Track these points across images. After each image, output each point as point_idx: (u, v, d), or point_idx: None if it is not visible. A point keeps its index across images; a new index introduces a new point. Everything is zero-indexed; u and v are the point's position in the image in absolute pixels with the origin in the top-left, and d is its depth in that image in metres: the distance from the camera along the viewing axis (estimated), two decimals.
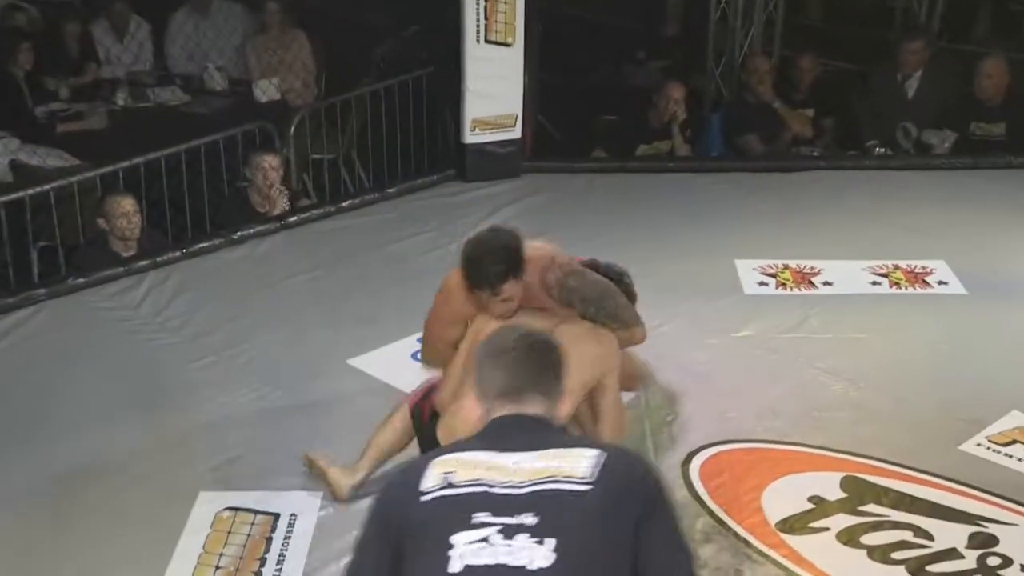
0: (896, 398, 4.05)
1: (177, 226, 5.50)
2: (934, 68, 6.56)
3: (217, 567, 3.25)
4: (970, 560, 3.25)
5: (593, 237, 5.48)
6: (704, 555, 3.26)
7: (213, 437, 3.92)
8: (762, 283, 5.01)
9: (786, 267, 5.12)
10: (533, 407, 2.06)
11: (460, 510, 1.88)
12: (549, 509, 1.87)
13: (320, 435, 3.91)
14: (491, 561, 1.82)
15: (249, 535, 3.38)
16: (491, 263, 3.16)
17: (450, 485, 1.91)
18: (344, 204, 5.86)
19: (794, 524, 3.40)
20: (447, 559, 1.83)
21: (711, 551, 3.28)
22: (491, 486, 1.90)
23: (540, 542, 1.84)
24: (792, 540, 3.33)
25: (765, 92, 6.60)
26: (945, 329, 4.61)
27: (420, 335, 4.46)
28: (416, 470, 1.97)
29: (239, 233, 5.44)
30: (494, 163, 6.08)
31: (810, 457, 3.73)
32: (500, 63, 5.93)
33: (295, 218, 5.64)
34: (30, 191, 5.18)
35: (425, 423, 3.34)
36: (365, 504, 3.21)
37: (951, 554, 3.26)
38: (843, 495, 3.53)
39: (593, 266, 3.42)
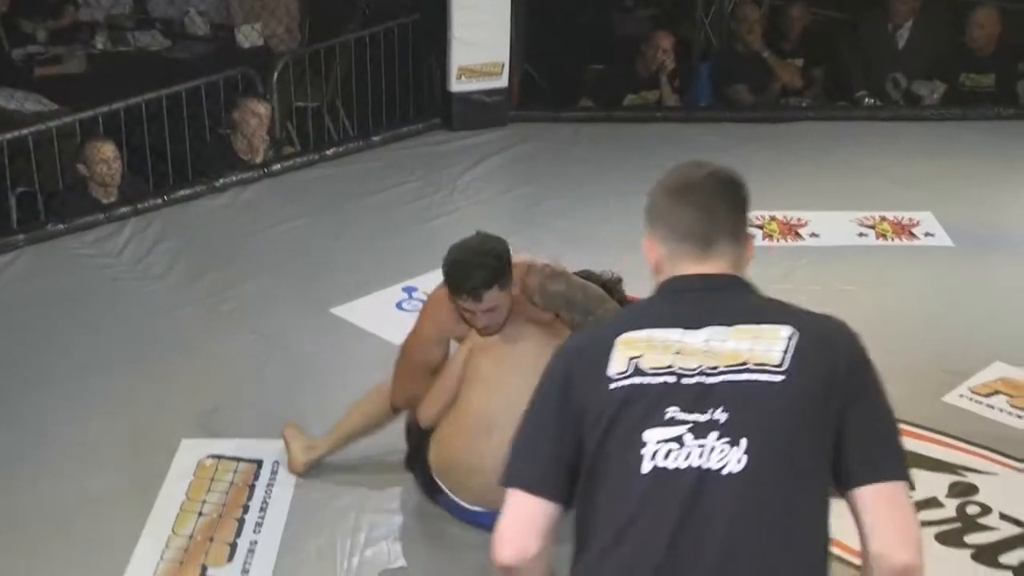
0: (882, 350, 3.95)
1: (158, 173, 5.44)
2: (925, 18, 6.52)
3: (200, 514, 3.25)
4: (950, 509, 3.27)
5: (579, 187, 5.48)
6: None
7: (195, 385, 3.91)
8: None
9: (773, 218, 5.11)
10: (722, 259, 1.83)
11: (651, 403, 1.71)
12: (740, 405, 1.70)
13: (303, 384, 3.90)
14: (684, 464, 1.68)
15: (232, 482, 3.38)
16: (475, 267, 3.02)
17: (639, 372, 1.73)
18: (328, 152, 5.81)
19: None
20: (639, 458, 1.70)
21: None
22: (681, 375, 1.72)
23: (732, 443, 1.68)
24: None
25: (754, 41, 6.55)
26: (931, 281, 4.62)
27: (405, 284, 4.50)
28: (600, 347, 1.77)
29: (221, 180, 5.40)
30: (480, 112, 6.03)
31: None
32: (487, 10, 5.87)
33: (278, 166, 5.59)
34: (8, 135, 5.11)
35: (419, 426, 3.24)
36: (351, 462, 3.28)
37: (931, 503, 3.28)
38: None
39: (584, 275, 3.25)
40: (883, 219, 5.10)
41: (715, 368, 1.73)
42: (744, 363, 1.73)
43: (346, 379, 3.76)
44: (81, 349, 4.13)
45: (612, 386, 1.74)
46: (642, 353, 1.76)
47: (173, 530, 3.18)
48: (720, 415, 1.70)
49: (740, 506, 1.67)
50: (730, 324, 1.77)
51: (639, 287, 4.53)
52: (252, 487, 3.36)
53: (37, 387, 3.90)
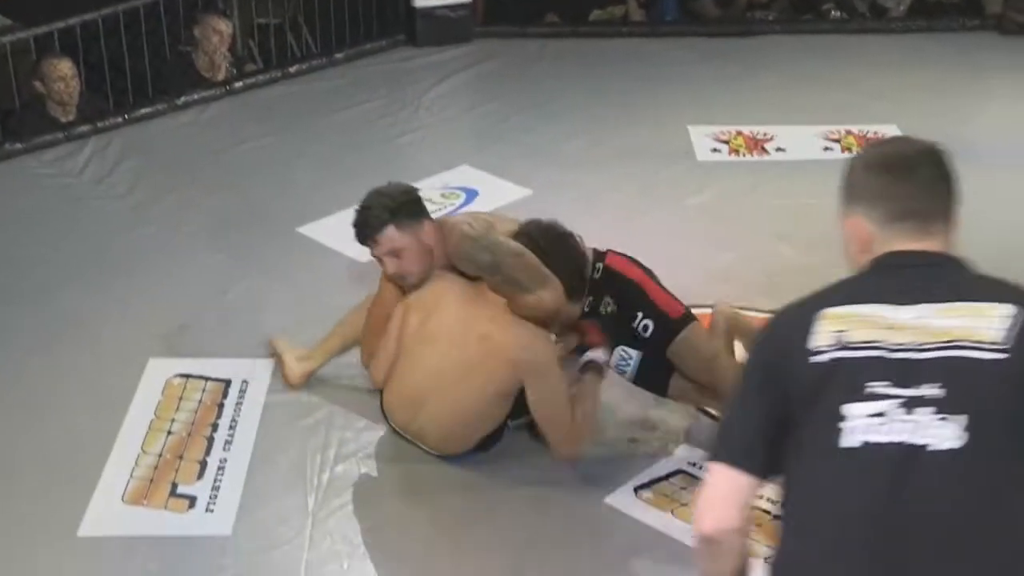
0: (845, 266, 4.07)
1: (117, 91, 5.35)
2: None
3: (169, 432, 3.26)
4: None
5: (546, 103, 5.44)
6: (655, 418, 3.31)
7: (162, 305, 3.89)
8: (715, 149, 4.99)
9: (739, 133, 5.11)
10: (938, 238, 1.79)
11: (854, 377, 1.67)
12: (957, 381, 1.64)
13: (270, 303, 3.89)
14: (889, 439, 1.63)
15: (200, 401, 3.38)
16: (368, 210, 3.03)
17: (843, 346, 1.69)
18: (291, 70, 5.73)
19: None
20: (838, 432, 1.66)
21: (662, 415, 3.32)
22: (889, 349, 1.68)
23: (946, 419, 1.62)
24: None
25: None
26: None
27: None
28: (801, 323, 1.74)
29: (183, 99, 5.32)
30: (445, 28, 5.96)
31: (761, 320, 3.77)
32: None
33: (240, 84, 5.52)
34: None
35: None
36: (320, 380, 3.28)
37: None
38: None
39: (531, 226, 3.10)
40: (849, 133, 5.11)
41: (926, 344, 1.68)
42: (959, 340, 1.68)
43: (313, 297, 3.75)
44: (43, 270, 4.10)
45: (813, 360, 1.71)
46: (848, 327, 1.72)
47: (142, 448, 3.19)
48: (933, 391, 1.65)
49: (957, 484, 1.62)
50: (945, 301, 1.72)
51: (607, 209, 4.54)
52: (221, 406, 3.36)
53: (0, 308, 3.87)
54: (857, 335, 1.71)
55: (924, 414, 1.64)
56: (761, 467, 1.76)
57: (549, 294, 2.94)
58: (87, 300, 3.92)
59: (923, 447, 1.63)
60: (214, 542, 2.88)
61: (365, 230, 3.05)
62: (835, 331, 1.72)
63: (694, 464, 3.14)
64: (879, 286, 1.78)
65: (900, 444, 1.63)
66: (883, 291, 1.77)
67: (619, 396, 3.37)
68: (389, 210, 3.02)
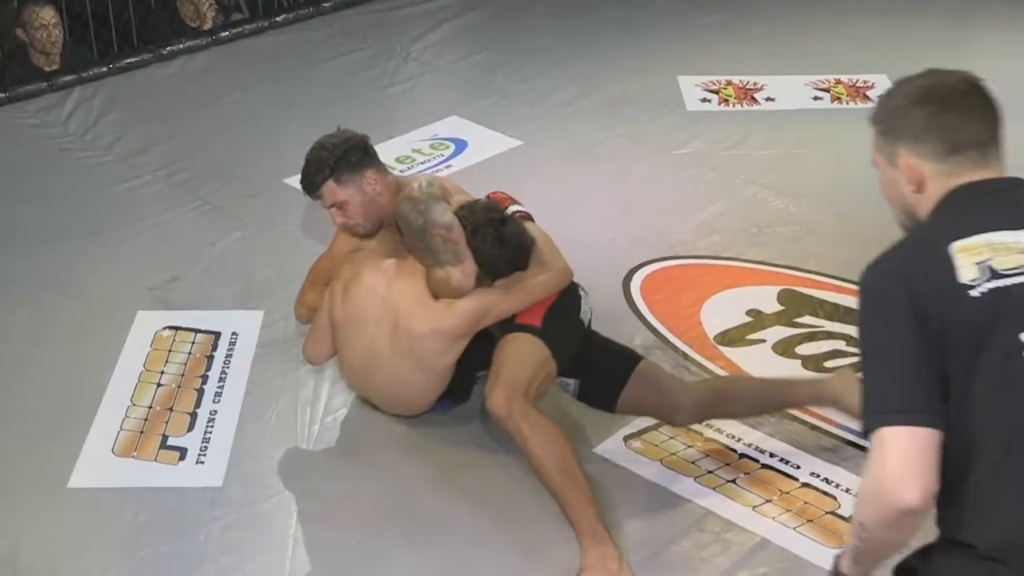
0: (835, 213, 4.08)
1: (102, 40, 5.27)
2: None
3: (159, 384, 3.25)
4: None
5: (535, 54, 5.39)
6: None
7: (150, 257, 3.87)
8: (704, 99, 4.96)
9: (729, 83, 5.07)
10: (999, 165, 1.74)
11: (1021, 304, 1.61)
12: None
13: (258, 254, 3.87)
14: None
15: (190, 353, 3.37)
16: (309, 163, 3.00)
17: (996, 275, 1.62)
18: (278, 19, 5.66)
19: (732, 336, 3.46)
20: (1022, 361, 1.60)
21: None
22: None
23: None
24: (730, 352, 3.39)
25: None
26: None
27: None
28: (937, 258, 1.65)
29: (169, 48, 5.25)
30: None
31: (749, 272, 3.77)
32: None
33: (227, 33, 5.45)
34: None
35: None
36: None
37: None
38: (780, 308, 3.58)
39: (473, 204, 2.96)
40: (838, 82, 5.08)
41: None
42: None
43: (302, 249, 3.73)
44: (28, 222, 4.06)
45: (973, 293, 1.62)
46: (989, 256, 1.65)
47: (132, 400, 3.18)
48: None
49: None
50: None
51: (596, 159, 4.51)
52: (210, 358, 3.35)
53: None
54: (1003, 262, 1.64)
55: None
56: (943, 418, 1.63)
57: (458, 273, 2.85)
58: (73, 253, 3.89)
59: None
60: (205, 493, 2.88)
61: (307, 186, 3.03)
62: (978, 262, 1.65)
63: None
64: (986, 215, 1.70)
65: None
66: (994, 220, 1.69)
67: None
68: (328, 165, 2.98)
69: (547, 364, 2.87)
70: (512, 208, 3.08)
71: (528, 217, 3.08)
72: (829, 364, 3.32)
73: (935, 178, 1.74)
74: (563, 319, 2.94)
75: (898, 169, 1.77)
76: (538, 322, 2.89)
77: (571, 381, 3.00)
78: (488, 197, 3.12)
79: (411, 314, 2.89)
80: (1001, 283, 1.62)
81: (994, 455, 1.63)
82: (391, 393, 3.03)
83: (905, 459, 1.60)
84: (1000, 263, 1.64)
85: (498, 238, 2.88)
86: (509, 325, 2.91)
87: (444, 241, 2.84)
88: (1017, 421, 1.62)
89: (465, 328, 2.90)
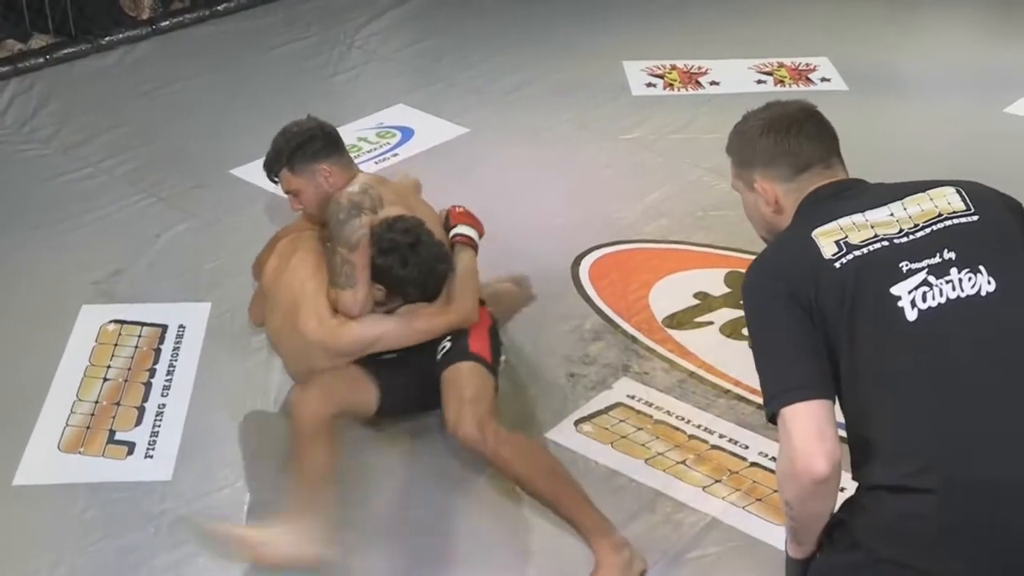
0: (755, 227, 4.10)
1: (37, 29, 5.18)
2: None
3: (105, 379, 3.21)
4: None
5: (481, 39, 5.39)
6: (593, 352, 3.32)
7: (93, 250, 3.82)
8: (650, 84, 4.98)
9: (673, 67, 5.10)
10: (842, 172, 1.99)
11: (881, 265, 1.80)
12: (959, 242, 1.82)
13: (205, 246, 3.84)
14: (943, 299, 1.78)
15: (137, 347, 3.33)
16: (273, 150, 3.03)
17: (852, 247, 1.82)
18: (220, 8, 5.61)
19: (680, 319, 3.49)
20: (899, 310, 1.77)
21: (600, 348, 3.34)
22: (890, 239, 1.83)
23: (972, 271, 1.80)
24: (678, 335, 3.42)
25: None
26: None
27: None
28: (802, 245, 1.85)
29: (108, 38, 5.18)
30: None
31: (696, 255, 3.80)
32: None
33: (167, 23, 5.39)
34: None
35: None
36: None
37: None
38: (727, 290, 3.61)
39: (391, 224, 2.86)
40: (781, 65, 5.12)
41: (916, 226, 1.85)
42: (938, 215, 1.86)
43: (249, 240, 3.69)
44: None
45: (837, 264, 1.81)
46: (844, 235, 1.84)
47: (78, 396, 3.14)
48: (948, 255, 1.81)
49: (1015, 315, 1.79)
50: (899, 199, 1.90)
51: (544, 145, 4.51)
52: (158, 351, 3.32)
53: None
54: (856, 237, 1.84)
55: (955, 274, 1.80)
56: (832, 390, 1.78)
57: (347, 297, 2.78)
58: (15, 247, 3.83)
59: (973, 296, 1.79)
60: (154, 487, 2.86)
61: (266, 171, 3.08)
62: (835, 241, 1.84)
63: (632, 396, 3.16)
64: (836, 207, 1.91)
65: (957, 299, 1.78)
66: (844, 208, 1.90)
67: (558, 333, 3.38)
68: (285, 154, 3.00)
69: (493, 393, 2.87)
70: (457, 231, 3.02)
71: (470, 244, 3.02)
72: None
73: (787, 196, 1.98)
74: (495, 358, 2.95)
75: (756, 192, 2.02)
76: (488, 357, 2.89)
77: None
78: (448, 211, 3.10)
79: (306, 322, 2.86)
80: (858, 253, 1.83)
81: (892, 397, 1.78)
82: (295, 373, 3.03)
83: (806, 433, 1.75)
84: (854, 238, 1.85)
85: (404, 261, 2.82)
86: (461, 352, 2.86)
87: (343, 262, 2.79)
88: (905, 360, 1.78)
89: (349, 353, 2.86)
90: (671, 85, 4.98)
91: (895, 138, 4.58)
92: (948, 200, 1.89)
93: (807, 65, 5.12)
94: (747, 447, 2.97)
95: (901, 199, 1.89)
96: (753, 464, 2.92)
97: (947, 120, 4.72)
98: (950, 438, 1.74)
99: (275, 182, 3.09)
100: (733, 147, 2.08)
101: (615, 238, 3.90)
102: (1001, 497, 1.71)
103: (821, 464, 1.73)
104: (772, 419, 1.81)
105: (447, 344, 2.89)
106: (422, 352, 2.89)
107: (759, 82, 5.00)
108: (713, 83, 4.99)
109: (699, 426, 3.06)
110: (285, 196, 3.12)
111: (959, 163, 4.28)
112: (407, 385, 2.91)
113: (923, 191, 1.91)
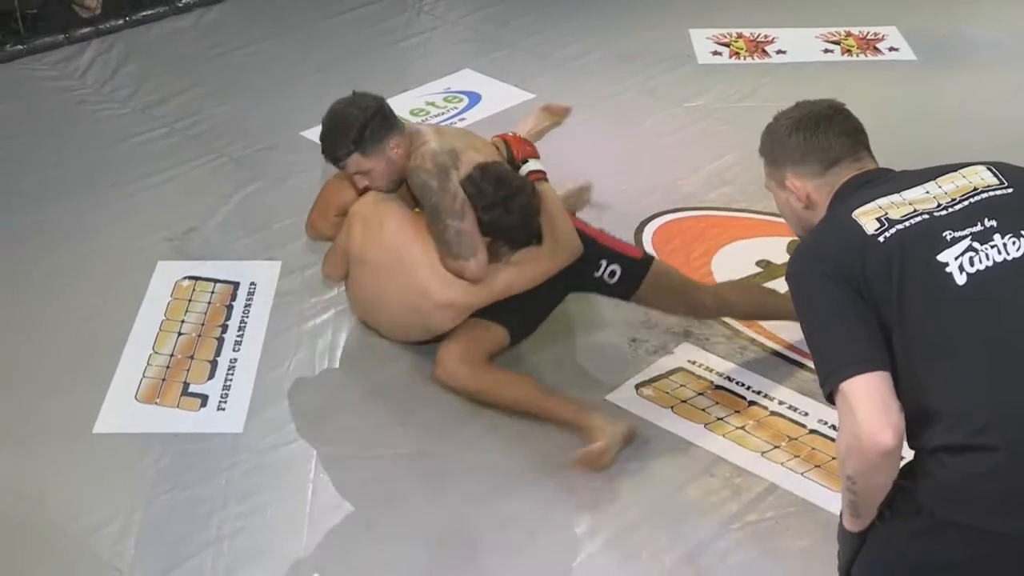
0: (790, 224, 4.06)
1: None
2: None
3: (179, 333, 3.27)
4: None
5: (547, 7, 5.37)
6: (654, 318, 3.32)
7: (168, 208, 3.88)
8: (716, 52, 4.93)
9: (740, 36, 5.04)
10: (873, 163, 2.01)
11: (925, 236, 1.81)
12: (998, 211, 1.83)
13: (275, 204, 3.88)
14: (991, 263, 1.79)
15: (210, 303, 3.39)
16: (334, 138, 2.96)
17: (894, 222, 1.83)
18: None
19: None
20: (947, 276, 1.78)
21: (661, 314, 3.33)
22: (930, 213, 1.83)
23: (1017, 236, 1.81)
24: None
25: None
26: (896, 96, 4.59)
27: None
28: (844, 226, 1.86)
29: (184, 1, 5.23)
30: None
31: (759, 223, 3.77)
32: None
33: None
34: None
35: None
36: (318, 272, 3.28)
37: None
38: (789, 258, 3.58)
39: (485, 176, 2.94)
40: (848, 34, 5.04)
41: (953, 200, 1.86)
42: (975, 189, 1.87)
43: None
44: (48, 173, 4.07)
45: (881, 239, 1.82)
46: (884, 212, 1.85)
47: (154, 349, 3.20)
48: (990, 222, 1.82)
49: None
50: (933, 179, 1.90)
51: (608, 111, 4.49)
52: (230, 307, 3.37)
53: (9, 213, 3.85)
54: (896, 213, 1.85)
55: (998, 239, 1.81)
56: (888, 361, 1.78)
57: (473, 266, 2.88)
58: (93, 203, 3.90)
59: (1021, 257, 1.80)
60: (226, 439, 2.91)
61: (331, 159, 3.01)
62: (876, 218, 1.85)
63: (693, 362, 3.16)
64: (870, 192, 1.91)
65: (1004, 262, 1.79)
66: (879, 192, 1.90)
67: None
68: (352, 140, 2.94)
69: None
70: (529, 167, 3.08)
71: (542, 176, 3.08)
72: None
73: (819, 191, 2.00)
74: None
75: (788, 190, 2.04)
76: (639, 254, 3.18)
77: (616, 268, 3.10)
78: (505, 140, 3.14)
79: (429, 282, 2.92)
80: (900, 227, 1.83)
81: (947, 362, 1.76)
82: (394, 331, 3.11)
83: (870, 406, 1.74)
84: (894, 214, 1.85)
85: (508, 210, 2.91)
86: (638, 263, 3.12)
87: (457, 233, 2.85)
88: (958, 324, 1.77)
89: (480, 306, 2.94)
90: (737, 53, 4.92)
91: (965, 106, 4.50)
92: (981, 176, 1.90)
93: (875, 35, 5.03)
94: (807, 414, 2.96)
95: (934, 179, 1.91)
96: (812, 431, 2.91)
97: (1019, 90, 4.62)
98: (1010, 395, 1.73)
99: (340, 167, 3.02)
100: (764, 147, 2.11)
101: (679, 205, 3.88)
102: None
103: (888, 436, 1.72)
104: (830, 397, 1.80)
105: (615, 269, 3.07)
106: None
107: (826, 51, 4.93)
108: (780, 52, 4.92)
109: (759, 392, 3.05)
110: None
111: None
112: (526, 310, 3.03)
113: (954, 171, 1.92)
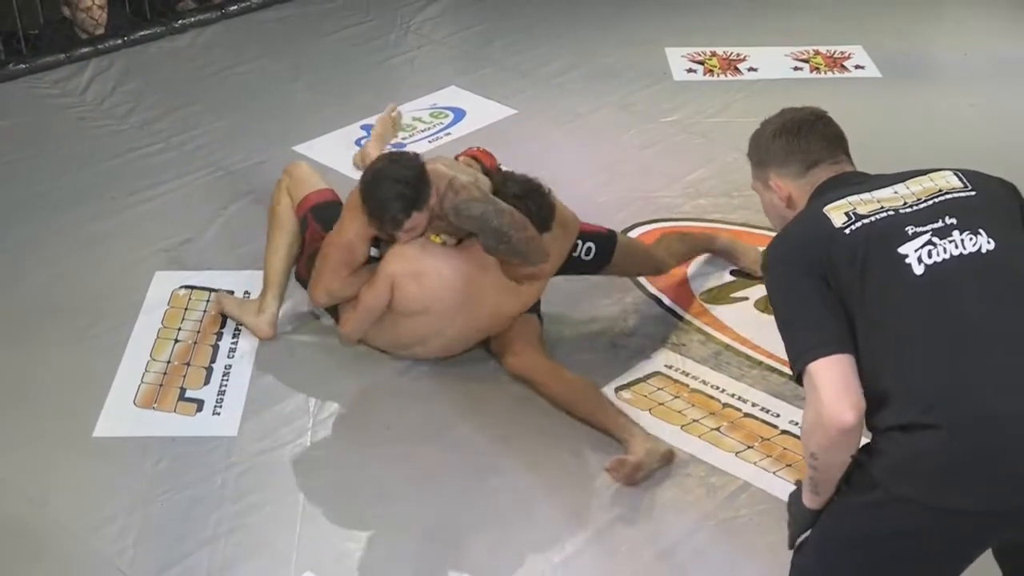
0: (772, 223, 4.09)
1: (115, 13, 5.23)
2: None
3: (176, 340, 3.27)
4: None
5: (529, 27, 5.38)
6: (633, 324, 3.33)
7: (165, 220, 3.87)
8: (691, 70, 4.96)
9: (713, 54, 5.07)
10: (851, 166, 2.06)
11: (889, 230, 1.86)
12: (960, 211, 1.88)
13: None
14: (947, 256, 1.83)
15: (205, 311, 3.38)
16: (393, 199, 2.90)
17: (861, 217, 1.88)
18: None
19: (716, 295, 3.48)
20: (906, 267, 1.83)
21: (640, 321, 3.35)
22: (896, 210, 1.89)
23: (974, 233, 1.85)
24: (714, 309, 3.42)
25: None
26: (861, 111, 4.61)
27: (363, 122, 4.44)
28: (814, 220, 1.92)
29: (180, 22, 5.23)
30: None
31: (732, 233, 3.78)
32: None
33: (236, 7, 5.42)
34: None
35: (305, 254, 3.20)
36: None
37: None
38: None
39: (506, 177, 3.05)
40: (817, 53, 5.08)
41: (919, 200, 1.91)
42: (940, 190, 1.92)
43: None
44: (49, 186, 4.06)
45: (848, 231, 1.87)
46: (853, 207, 1.90)
47: (151, 356, 3.20)
48: (950, 220, 1.87)
49: (1014, 266, 1.85)
50: (901, 182, 1.96)
51: (588, 126, 4.51)
52: (224, 316, 3.37)
53: (12, 225, 3.85)
54: (864, 209, 1.90)
55: (956, 235, 1.86)
56: (851, 345, 1.82)
57: (548, 267, 3.03)
58: (94, 216, 3.90)
59: (975, 253, 1.84)
60: (221, 442, 2.91)
61: (388, 223, 2.93)
62: (845, 212, 1.90)
63: (670, 367, 3.18)
64: (844, 191, 1.96)
65: (960, 255, 1.84)
66: (851, 190, 1.96)
67: (601, 306, 3.39)
68: (412, 201, 2.91)
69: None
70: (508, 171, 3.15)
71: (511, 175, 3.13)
72: None
73: (799, 191, 2.05)
74: None
75: (771, 190, 2.09)
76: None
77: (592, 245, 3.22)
78: (470, 155, 3.19)
79: (501, 303, 3.03)
80: (866, 221, 1.88)
81: (902, 345, 1.81)
82: (440, 351, 3.13)
83: (832, 385, 1.79)
84: (862, 209, 1.90)
85: (542, 208, 3.00)
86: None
87: (528, 242, 2.88)
88: (913, 310, 1.82)
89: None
90: (711, 71, 4.95)
91: (926, 120, 4.54)
92: (947, 180, 1.95)
93: (842, 53, 5.07)
94: (778, 415, 2.98)
95: (903, 181, 1.96)
96: (784, 432, 2.92)
97: (973, 106, 4.66)
98: (957, 376, 1.77)
99: (391, 227, 2.95)
100: (751, 150, 2.15)
101: (656, 216, 3.90)
102: (1005, 429, 1.74)
103: (848, 414, 1.77)
104: (799, 378, 1.85)
105: (591, 246, 3.22)
106: None
107: (796, 69, 4.96)
108: (751, 69, 4.95)
109: (733, 395, 3.06)
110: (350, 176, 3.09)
111: (985, 146, 4.27)
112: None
113: (923, 174, 1.97)
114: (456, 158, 3.22)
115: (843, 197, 1.93)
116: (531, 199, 2.98)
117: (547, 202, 3.02)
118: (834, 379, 1.79)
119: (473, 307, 3.02)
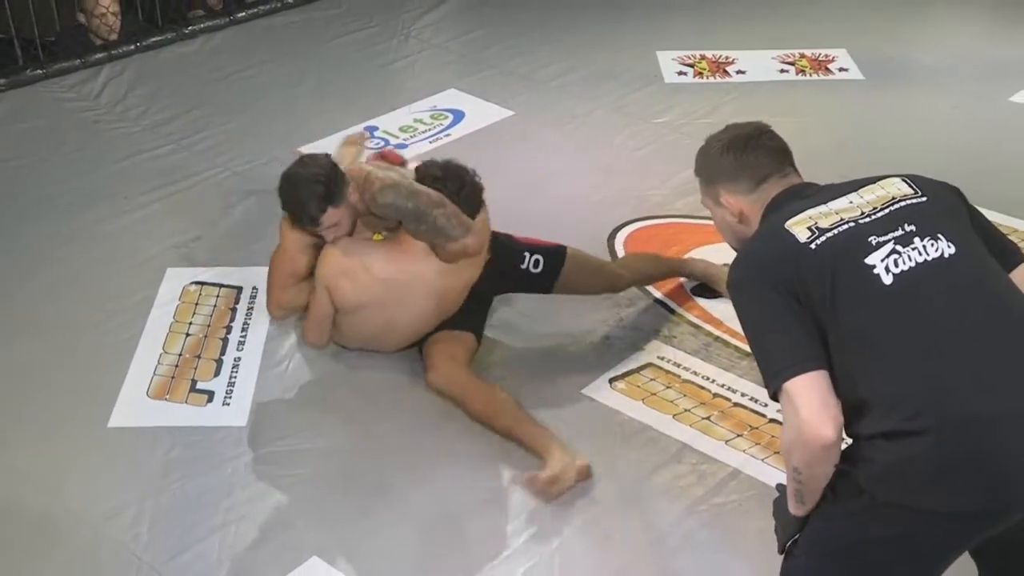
0: (802, 176, 4.08)
1: (128, 21, 5.22)
2: None
3: (187, 334, 3.26)
4: None
5: (526, 32, 5.37)
6: (627, 317, 3.33)
7: (176, 218, 3.86)
8: (681, 72, 4.95)
9: (703, 57, 5.06)
10: (799, 178, 2.02)
11: (853, 241, 1.82)
12: (916, 218, 1.85)
13: (275, 215, 3.84)
14: (913, 263, 1.80)
15: (215, 306, 3.38)
16: (306, 198, 2.88)
17: (823, 231, 1.84)
18: (290, 0, 5.61)
19: (707, 288, 3.47)
20: (875, 277, 1.79)
21: (633, 314, 3.35)
22: (855, 221, 1.85)
23: (933, 239, 1.83)
24: (704, 303, 3.41)
25: None
26: (846, 112, 4.62)
27: (366, 124, 4.43)
28: (778, 236, 1.86)
29: (190, 28, 5.22)
30: None
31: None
32: None
33: (243, 13, 5.41)
34: None
35: None
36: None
37: None
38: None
39: (427, 164, 3.01)
40: (802, 56, 5.07)
41: (876, 208, 1.88)
42: (894, 198, 1.89)
43: None
44: (66, 186, 4.05)
45: (813, 246, 1.83)
46: (813, 221, 1.86)
47: (164, 349, 3.19)
48: (909, 227, 1.84)
49: (976, 266, 1.84)
50: (855, 190, 1.92)
51: (582, 127, 4.50)
52: (233, 310, 3.36)
53: (31, 223, 3.83)
54: (825, 222, 1.86)
55: (918, 242, 1.83)
56: (825, 360, 1.78)
57: (471, 241, 2.90)
58: (109, 214, 3.89)
59: (939, 258, 1.82)
60: (231, 432, 2.90)
61: (306, 219, 2.94)
62: (807, 227, 1.86)
63: (662, 358, 3.17)
64: (799, 204, 1.91)
65: (924, 262, 1.81)
66: (807, 204, 1.91)
67: (596, 299, 3.38)
68: (323, 196, 2.90)
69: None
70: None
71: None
72: None
73: (751, 206, 2.00)
74: None
75: (723, 206, 2.04)
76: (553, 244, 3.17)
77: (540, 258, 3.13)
78: (374, 158, 3.19)
79: (443, 281, 2.96)
80: (829, 234, 1.84)
81: (879, 355, 1.77)
82: (404, 342, 3.09)
83: (810, 403, 1.75)
84: (823, 223, 1.86)
85: (465, 187, 2.94)
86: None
87: (447, 218, 2.84)
88: (887, 319, 1.78)
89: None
90: (700, 73, 4.94)
91: (908, 122, 4.53)
92: (897, 187, 1.92)
93: (827, 56, 5.06)
94: (766, 405, 2.97)
95: (856, 191, 1.92)
96: (772, 420, 2.92)
97: (955, 108, 4.65)
98: (937, 381, 1.74)
99: (310, 225, 2.95)
100: (699, 167, 2.09)
101: (648, 213, 3.89)
102: (990, 430, 1.72)
103: (829, 430, 1.73)
104: (775, 396, 1.80)
105: (539, 258, 3.11)
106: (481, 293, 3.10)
107: (782, 71, 4.95)
108: (740, 72, 4.94)
109: (723, 385, 3.06)
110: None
111: (966, 147, 4.26)
112: (475, 311, 3.09)
113: (874, 183, 1.94)
114: (368, 162, 3.17)
115: (802, 211, 1.88)
116: (450, 180, 2.92)
117: (469, 181, 2.95)
118: (812, 396, 1.75)
119: (414, 294, 2.96)
